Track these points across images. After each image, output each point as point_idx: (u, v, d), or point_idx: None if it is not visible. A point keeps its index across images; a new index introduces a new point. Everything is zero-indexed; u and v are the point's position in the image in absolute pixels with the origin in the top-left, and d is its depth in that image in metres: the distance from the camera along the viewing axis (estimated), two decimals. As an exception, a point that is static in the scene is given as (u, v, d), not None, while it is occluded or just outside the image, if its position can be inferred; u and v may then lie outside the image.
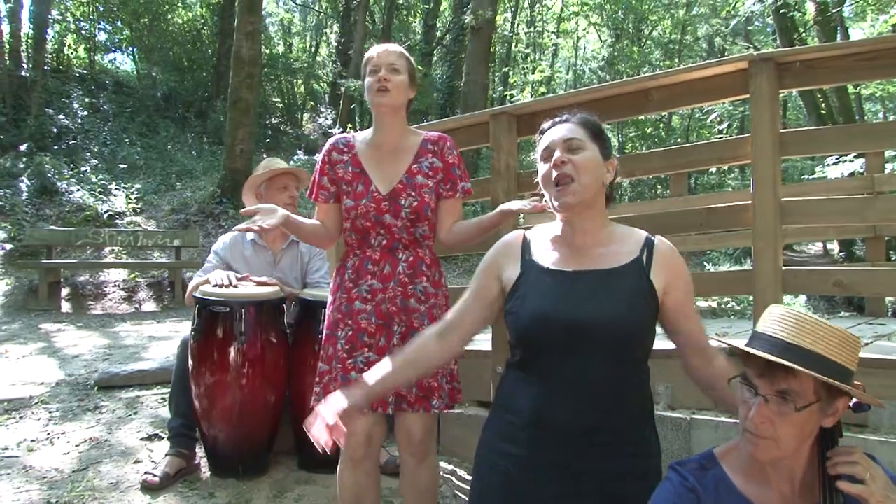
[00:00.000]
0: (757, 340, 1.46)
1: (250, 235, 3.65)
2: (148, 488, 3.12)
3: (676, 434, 2.89)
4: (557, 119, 1.91)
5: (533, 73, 21.22)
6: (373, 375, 1.92)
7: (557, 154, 1.81)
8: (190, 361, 3.27)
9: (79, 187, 11.90)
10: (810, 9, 14.40)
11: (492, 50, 17.86)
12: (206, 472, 3.35)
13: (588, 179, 1.79)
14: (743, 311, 9.69)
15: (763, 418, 1.41)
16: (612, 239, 1.85)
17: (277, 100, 21.44)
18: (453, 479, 3.34)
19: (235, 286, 3.30)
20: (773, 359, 1.37)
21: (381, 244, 2.52)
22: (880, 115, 22.11)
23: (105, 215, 11.36)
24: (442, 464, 3.32)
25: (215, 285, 3.30)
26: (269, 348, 3.28)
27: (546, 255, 1.87)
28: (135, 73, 19.03)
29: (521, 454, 1.77)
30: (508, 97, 20.04)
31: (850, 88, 15.27)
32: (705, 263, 14.19)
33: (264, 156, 14.02)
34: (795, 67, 2.78)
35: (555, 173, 1.81)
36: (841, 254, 13.32)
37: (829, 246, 15.85)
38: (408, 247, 2.53)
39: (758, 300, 2.78)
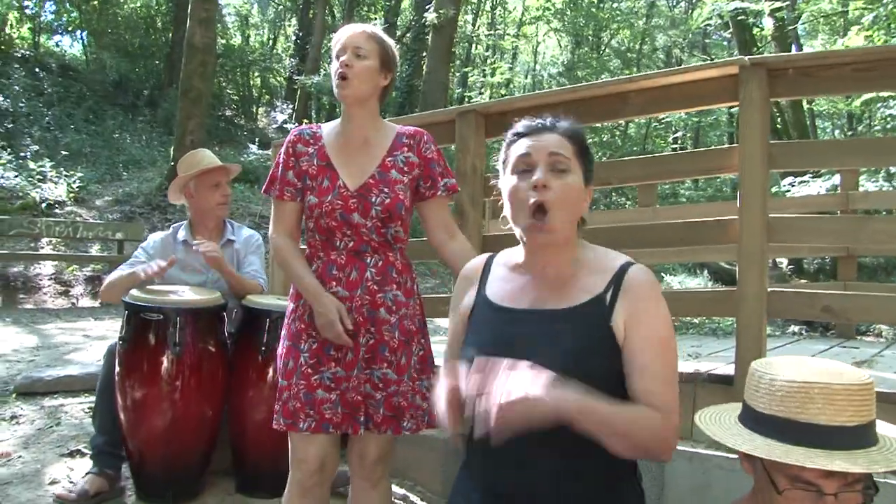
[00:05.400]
0: (779, 427, 1.18)
1: (182, 234, 3.35)
2: (62, 507, 2.80)
3: (646, 469, 2.68)
4: (540, 123, 1.57)
5: (493, 76, 21.11)
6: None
7: (539, 175, 1.48)
8: (117, 371, 2.95)
9: (16, 173, 11.29)
10: (768, 24, 14.53)
11: (453, 50, 17.67)
12: (131, 495, 3.02)
13: (566, 216, 1.50)
14: (703, 326, 9.24)
15: None
16: (581, 268, 1.54)
17: (232, 92, 20.96)
18: (405, 505, 3.08)
19: (163, 268, 2.98)
20: (863, 469, 1.10)
21: (347, 246, 2.22)
22: (828, 132, 22.52)
23: (43, 204, 10.79)
24: (393, 487, 3.06)
25: (145, 277, 2.98)
26: (207, 359, 2.98)
27: (500, 287, 1.61)
28: (83, 57, 18.33)
29: None
30: (467, 98, 19.90)
31: (805, 104, 15.45)
32: (662, 275, 14.19)
33: (216, 148, 13.65)
34: (788, 75, 2.59)
35: (532, 198, 1.48)
36: (790, 266, 13.39)
37: (778, 260, 16.00)
38: (377, 250, 2.23)
39: (741, 323, 2.59)
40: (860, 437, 1.14)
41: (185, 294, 3.05)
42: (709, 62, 3.18)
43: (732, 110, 19.37)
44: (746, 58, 2.57)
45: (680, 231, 2.87)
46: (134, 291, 2.98)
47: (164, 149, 14.26)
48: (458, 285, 1.75)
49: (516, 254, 1.64)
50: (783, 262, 15.01)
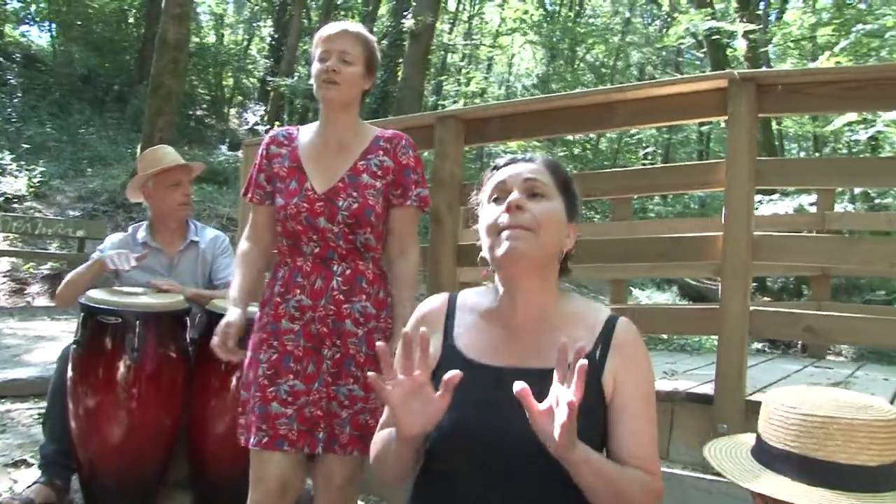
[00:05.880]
0: (794, 464, 1.07)
1: (141, 235, 3.19)
2: (4, 514, 2.63)
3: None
4: (519, 157, 1.50)
5: (468, 85, 21.09)
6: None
7: (515, 194, 1.39)
8: (69, 376, 2.78)
9: (-26, 165, 10.95)
10: (741, 45, 14.70)
11: (429, 58, 17.60)
12: (80, 508, 2.85)
13: (547, 235, 1.39)
14: (671, 342, 8.96)
15: None
16: (564, 321, 1.42)
17: (204, 91, 20.63)
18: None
19: (133, 267, 2.88)
20: None
21: (313, 252, 2.12)
22: (794, 153, 22.84)
23: (0, 198, 10.45)
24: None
25: (113, 269, 2.87)
26: (167, 366, 2.83)
27: (472, 338, 1.45)
28: (51, 48, 17.91)
29: None
30: (441, 106, 19.87)
31: (774, 124, 15.64)
32: (631, 289, 14.21)
33: (186, 148, 13.38)
34: (777, 91, 2.54)
35: (506, 218, 1.37)
36: (753, 284, 13.46)
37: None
38: (345, 258, 2.12)
39: (723, 342, 2.53)
40: (885, 478, 1.04)
41: (146, 297, 2.89)
42: (698, 75, 3.12)
43: (703, 128, 19.65)
44: (736, 72, 2.51)
45: (663, 246, 2.80)
46: (91, 293, 2.83)
47: (132, 146, 13.92)
48: (414, 326, 1.50)
49: (484, 297, 1.50)
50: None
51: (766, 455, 1.11)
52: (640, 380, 1.39)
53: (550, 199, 1.43)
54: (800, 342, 5.53)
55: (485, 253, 1.44)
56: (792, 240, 2.67)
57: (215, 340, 2.10)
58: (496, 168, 1.51)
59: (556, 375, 1.21)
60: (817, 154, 18.59)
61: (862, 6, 13.61)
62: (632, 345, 1.41)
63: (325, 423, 2.08)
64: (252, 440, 2.08)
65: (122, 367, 2.72)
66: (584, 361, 1.15)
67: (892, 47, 10.46)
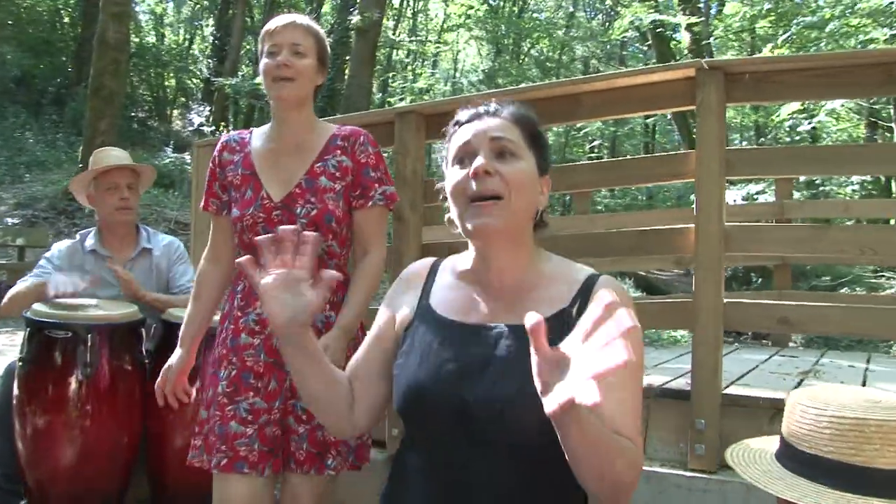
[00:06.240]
0: (828, 470, 1.01)
1: (90, 243, 3.03)
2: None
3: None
4: (484, 109, 1.37)
5: (416, 81, 21.00)
6: None
7: (481, 159, 1.28)
8: (15, 394, 2.63)
9: None
10: (685, 37, 14.92)
11: (376, 54, 17.46)
12: (30, 536, 2.69)
13: (521, 202, 1.29)
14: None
15: None
16: (541, 279, 1.34)
17: (146, 93, 20.15)
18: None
19: (77, 296, 2.73)
20: None
21: None
22: (737, 143, 23.34)
23: (-67, 206, 10.03)
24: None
25: (56, 295, 2.68)
26: (122, 381, 2.69)
27: (447, 298, 1.40)
28: (-20, 50, 17.27)
29: None
30: (387, 103, 19.76)
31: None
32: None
33: (129, 151, 12.94)
34: (745, 80, 2.51)
35: (474, 185, 1.28)
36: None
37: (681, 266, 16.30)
38: None
39: (697, 335, 2.48)
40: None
41: (97, 308, 2.74)
42: (666, 64, 3.10)
43: (648, 120, 19.90)
44: (703, 61, 2.48)
45: (631, 239, 2.76)
46: (37, 306, 2.67)
47: (72, 150, 13.50)
48: (394, 288, 1.52)
49: (464, 260, 1.43)
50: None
51: (793, 460, 1.05)
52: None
53: (520, 157, 1.32)
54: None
55: (453, 217, 1.35)
56: (764, 230, 2.66)
57: (158, 382, 2.14)
58: (458, 123, 1.39)
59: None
60: (758, 144, 19.01)
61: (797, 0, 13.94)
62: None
63: (283, 441, 1.97)
64: (212, 462, 1.96)
65: (73, 384, 2.59)
66: (538, 318, 1.00)
67: (829, 38, 10.71)
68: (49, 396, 2.59)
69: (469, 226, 1.29)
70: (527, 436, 1.16)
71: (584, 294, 1.29)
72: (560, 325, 1.23)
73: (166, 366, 2.15)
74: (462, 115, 1.39)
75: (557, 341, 1.15)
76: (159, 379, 2.15)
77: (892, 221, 9.07)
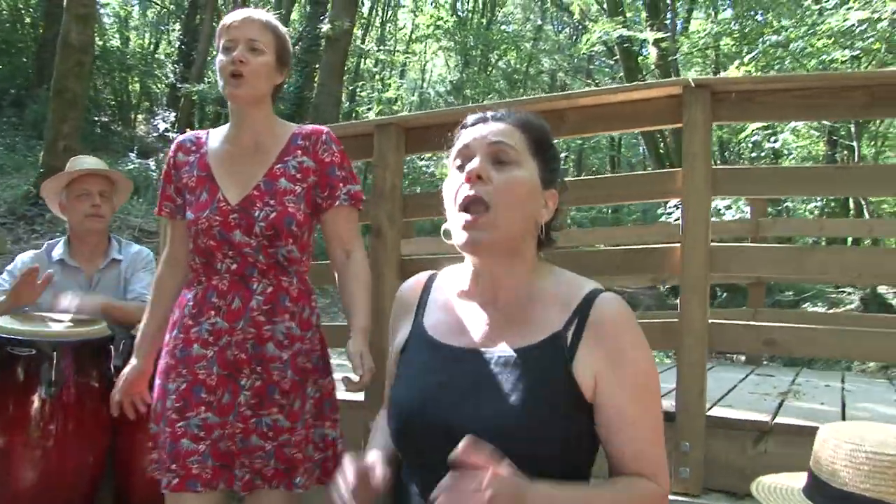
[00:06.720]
0: None
1: (58, 252, 2.92)
2: None
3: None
4: (489, 114, 1.32)
5: (385, 91, 20.96)
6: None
7: (475, 163, 1.23)
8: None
9: None
10: (653, 53, 15.12)
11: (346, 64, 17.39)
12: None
13: (511, 214, 1.22)
14: None
15: None
16: (539, 297, 1.26)
17: (110, 97, 19.77)
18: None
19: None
20: None
21: (229, 269, 1.90)
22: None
23: None
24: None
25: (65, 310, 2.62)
26: (89, 400, 2.55)
27: (440, 319, 1.34)
28: (-64, 51, 16.81)
29: None
30: (355, 113, 19.67)
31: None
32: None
33: (91, 156, 12.66)
34: (731, 99, 2.51)
35: (464, 191, 1.23)
36: (667, 287, 13.73)
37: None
38: (266, 274, 1.91)
39: (682, 356, 2.47)
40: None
41: (63, 324, 2.62)
42: (652, 81, 3.09)
43: (613, 134, 20.09)
44: (691, 79, 2.47)
45: (618, 258, 2.74)
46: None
47: (33, 154, 13.17)
48: (393, 311, 1.47)
49: (461, 273, 1.37)
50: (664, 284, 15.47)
51: (826, 497, 1.02)
52: (634, 368, 1.18)
53: (519, 165, 1.25)
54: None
55: (449, 226, 1.29)
56: (748, 250, 2.66)
57: (113, 393, 2.09)
58: (464, 126, 1.34)
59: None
60: (721, 162, 19.32)
61: (759, 19, 14.23)
62: (616, 325, 1.20)
63: (245, 457, 1.87)
64: (163, 482, 1.87)
65: (36, 403, 2.46)
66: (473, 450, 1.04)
67: (791, 57, 10.94)
68: (9, 416, 2.46)
69: (457, 241, 1.25)
70: (515, 462, 1.09)
71: (581, 314, 1.22)
72: (553, 350, 1.19)
73: (120, 377, 2.08)
74: (469, 118, 1.35)
75: (549, 367, 1.13)
76: (113, 389, 2.09)
77: (864, 242, 9.33)
